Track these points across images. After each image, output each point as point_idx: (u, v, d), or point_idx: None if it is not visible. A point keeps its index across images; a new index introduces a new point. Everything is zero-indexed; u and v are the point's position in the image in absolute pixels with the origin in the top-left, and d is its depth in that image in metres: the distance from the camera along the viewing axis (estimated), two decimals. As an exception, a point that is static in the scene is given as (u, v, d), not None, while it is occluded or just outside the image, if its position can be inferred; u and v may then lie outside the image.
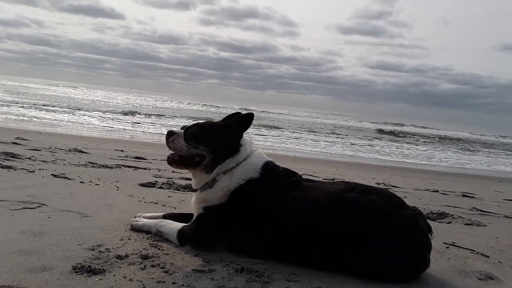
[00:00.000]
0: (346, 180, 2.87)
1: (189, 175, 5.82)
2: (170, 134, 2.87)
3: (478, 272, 2.88)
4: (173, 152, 2.90)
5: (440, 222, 4.59)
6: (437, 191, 7.40)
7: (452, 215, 4.81)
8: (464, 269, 2.94)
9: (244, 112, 2.97)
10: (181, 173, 6.17)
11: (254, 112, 3.12)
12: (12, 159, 5.70)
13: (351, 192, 2.68)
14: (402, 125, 51.35)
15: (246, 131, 2.90)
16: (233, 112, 3.11)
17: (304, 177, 3.00)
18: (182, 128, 2.92)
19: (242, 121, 2.87)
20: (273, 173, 2.88)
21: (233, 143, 2.87)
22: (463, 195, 7.09)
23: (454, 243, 3.58)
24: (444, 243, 3.56)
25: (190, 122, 2.96)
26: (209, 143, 2.82)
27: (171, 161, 2.91)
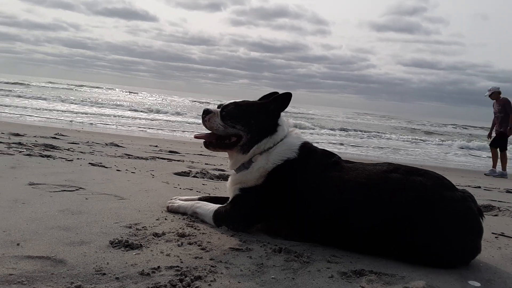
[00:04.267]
0: (389, 162, 2.72)
1: (223, 167, 5.82)
2: (207, 112, 2.75)
3: (533, 260, 2.68)
4: (208, 133, 2.83)
5: (486, 214, 4.34)
6: (479, 187, 7.08)
7: (498, 208, 4.56)
8: (517, 257, 2.75)
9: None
10: (215, 164, 6.15)
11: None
12: (52, 150, 5.83)
13: (394, 173, 2.54)
14: (445, 125, 49.56)
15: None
16: (270, 92, 3.02)
17: None
18: (218, 107, 2.83)
19: (280, 100, 2.76)
20: (311, 154, 2.76)
21: (270, 123, 2.76)
22: (507, 191, 6.76)
23: (503, 233, 3.37)
24: (492, 233, 3.35)
25: (226, 101, 2.86)
26: (246, 122, 2.71)
27: (208, 144, 2.80)
